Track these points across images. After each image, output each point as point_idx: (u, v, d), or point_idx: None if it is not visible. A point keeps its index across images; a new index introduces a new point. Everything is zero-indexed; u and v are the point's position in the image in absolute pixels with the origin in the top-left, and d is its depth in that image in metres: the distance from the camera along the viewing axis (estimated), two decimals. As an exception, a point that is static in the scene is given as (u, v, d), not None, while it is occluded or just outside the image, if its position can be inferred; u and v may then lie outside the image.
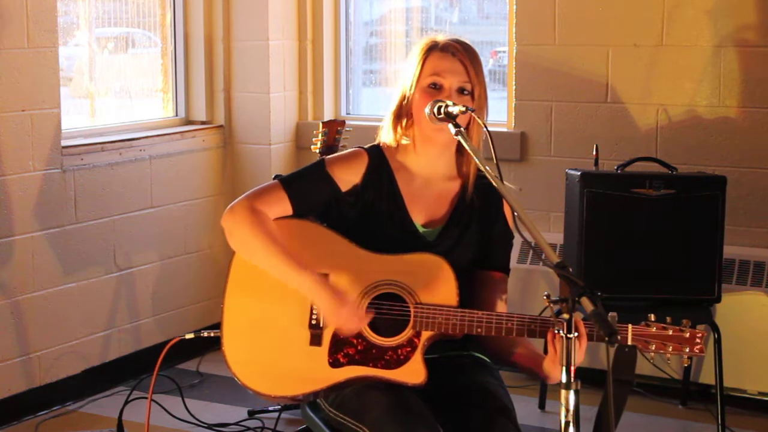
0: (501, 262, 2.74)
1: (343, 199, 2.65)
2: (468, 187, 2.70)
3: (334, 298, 2.51)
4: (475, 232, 2.70)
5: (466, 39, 2.71)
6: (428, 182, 2.70)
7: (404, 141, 2.68)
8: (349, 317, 2.52)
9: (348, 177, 2.66)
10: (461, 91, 2.63)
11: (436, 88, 2.62)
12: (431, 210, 2.69)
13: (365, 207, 2.65)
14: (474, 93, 2.65)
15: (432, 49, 2.65)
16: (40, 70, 4.27)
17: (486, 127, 2.54)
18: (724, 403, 3.96)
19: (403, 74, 2.69)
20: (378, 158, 2.69)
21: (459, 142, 2.60)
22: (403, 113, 2.67)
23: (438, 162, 2.70)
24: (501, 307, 2.68)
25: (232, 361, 2.62)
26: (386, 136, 2.71)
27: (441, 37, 2.68)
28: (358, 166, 2.67)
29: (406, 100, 2.66)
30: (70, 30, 4.79)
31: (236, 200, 2.62)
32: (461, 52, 2.65)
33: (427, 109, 2.58)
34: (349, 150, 2.74)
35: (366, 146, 2.73)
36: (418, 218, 2.68)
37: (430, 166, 2.70)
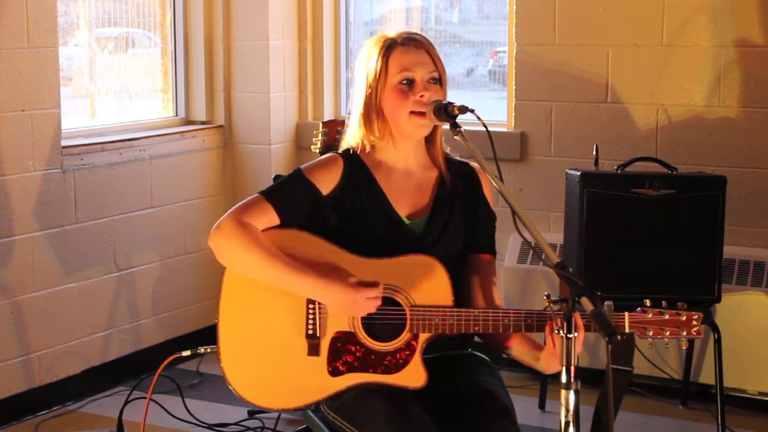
0: (487, 244, 2.75)
1: (326, 203, 2.64)
2: (444, 173, 2.72)
3: (343, 287, 2.50)
4: (461, 216, 2.71)
5: (414, 29, 2.73)
6: (407, 174, 2.71)
7: (375, 142, 2.68)
8: (366, 298, 2.50)
9: (327, 179, 2.65)
10: (432, 81, 2.64)
11: (408, 83, 2.62)
12: (414, 201, 2.70)
13: (348, 208, 2.65)
14: (442, 80, 2.66)
15: (392, 46, 2.65)
16: (40, 70, 4.27)
17: (486, 126, 2.54)
18: (724, 403, 3.96)
19: (361, 76, 2.68)
20: (353, 160, 2.69)
21: (430, 132, 2.67)
22: (372, 115, 2.66)
23: (413, 154, 2.72)
24: (494, 292, 2.69)
25: (232, 378, 2.61)
26: (355, 140, 2.70)
27: (393, 33, 2.68)
28: (335, 169, 2.67)
29: (374, 101, 2.65)
30: (70, 30, 4.79)
31: (220, 219, 2.61)
32: (423, 43, 2.66)
33: (428, 110, 2.58)
34: (323, 156, 2.75)
35: (338, 151, 2.73)
36: (403, 211, 2.68)
37: (406, 159, 2.71)
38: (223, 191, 5.23)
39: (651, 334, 2.50)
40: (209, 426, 4.21)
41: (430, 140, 2.73)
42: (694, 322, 2.50)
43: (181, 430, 4.19)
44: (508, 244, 4.65)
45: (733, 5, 4.39)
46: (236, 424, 4.24)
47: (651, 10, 4.52)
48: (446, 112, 2.55)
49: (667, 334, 2.50)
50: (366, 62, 2.68)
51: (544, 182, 4.77)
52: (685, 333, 2.50)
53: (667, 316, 2.50)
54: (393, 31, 2.70)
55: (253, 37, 5.16)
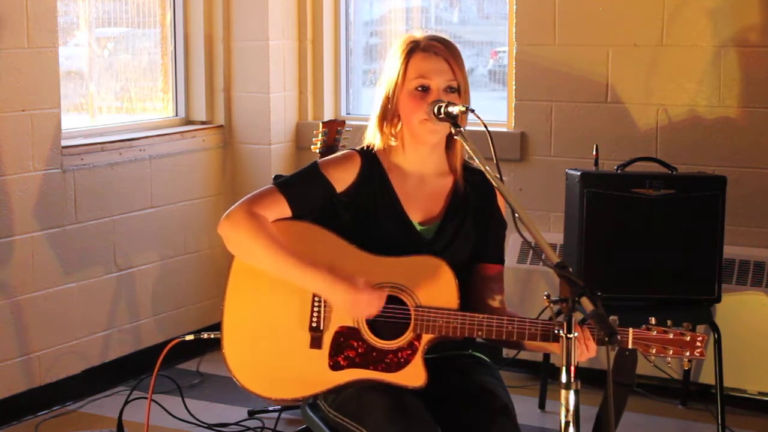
0: (497, 255, 2.75)
1: (339, 200, 2.65)
2: (459, 182, 2.72)
3: (348, 287, 2.51)
4: (472, 226, 2.71)
5: (445, 35, 2.72)
6: (421, 180, 2.71)
7: (392, 142, 2.68)
8: (368, 301, 2.51)
9: (342, 177, 2.66)
10: (449, 89, 2.63)
11: (423, 90, 2.62)
12: (427, 207, 2.70)
13: (361, 207, 2.66)
14: (460, 89, 2.65)
15: (414, 49, 2.64)
16: (40, 70, 4.27)
17: (486, 126, 2.54)
18: (724, 403, 3.96)
19: (384, 75, 2.69)
20: (370, 159, 2.69)
21: (447, 137, 2.67)
22: (389, 115, 2.67)
23: (429, 160, 2.71)
24: (498, 300, 2.70)
25: (233, 365, 2.62)
26: (373, 139, 2.71)
27: (420, 35, 2.68)
28: (351, 167, 2.67)
29: (391, 103, 2.65)
30: (70, 30, 4.79)
31: (232, 207, 2.62)
32: (444, 51, 2.65)
33: (427, 110, 2.58)
34: (340, 152, 2.75)
35: (357, 148, 2.73)
36: (415, 216, 2.69)
37: (421, 165, 2.71)
38: (223, 191, 5.23)
39: (654, 351, 2.50)
40: (209, 426, 4.20)
41: (449, 147, 2.72)
42: (698, 343, 2.50)
43: (181, 430, 4.19)
44: (508, 244, 4.65)
45: (733, 5, 4.39)
46: (236, 424, 4.24)
47: (651, 10, 4.52)
48: (446, 112, 2.55)
49: (670, 353, 2.50)
50: (390, 63, 2.68)
51: (544, 182, 4.77)
52: (688, 353, 2.50)
53: (671, 336, 2.50)
54: (420, 32, 2.70)
55: (253, 37, 5.16)
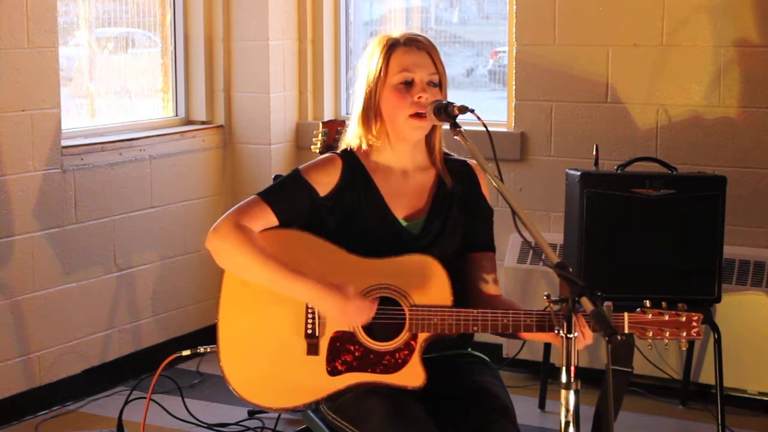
0: (486, 242, 2.75)
1: (323, 204, 2.64)
2: (442, 174, 2.72)
3: (338, 296, 2.50)
4: (458, 217, 2.71)
5: (414, 30, 2.73)
6: (404, 177, 2.71)
7: (373, 142, 2.67)
8: (358, 310, 2.51)
9: (325, 180, 2.65)
10: (431, 84, 2.63)
11: (407, 83, 2.62)
12: (411, 203, 2.70)
13: (345, 209, 2.65)
14: (441, 85, 2.66)
15: (394, 45, 2.64)
16: (40, 70, 4.27)
17: (486, 126, 2.55)
18: (724, 403, 3.96)
19: (362, 74, 2.68)
20: (351, 160, 2.69)
21: (429, 132, 2.68)
22: (371, 114, 2.66)
23: (411, 156, 2.71)
24: (493, 288, 2.70)
25: (231, 377, 2.61)
26: (355, 140, 2.70)
27: (397, 34, 2.68)
28: (333, 170, 2.67)
29: (373, 101, 2.65)
30: (70, 30, 4.79)
31: (218, 221, 2.62)
32: (425, 45, 2.66)
33: (428, 110, 2.58)
34: (321, 156, 2.75)
35: (337, 151, 2.73)
36: (400, 213, 2.68)
37: (404, 161, 2.71)
38: (223, 191, 5.23)
39: (650, 335, 2.50)
40: (209, 426, 4.21)
41: (429, 140, 2.73)
42: (694, 323, 2.50)
43: (181, 430, 4.19)
44: (508, 244, 4.65)
45: (733, 5, 4.39)
46: (236, 424, 4.24)
47: (651, 10, 4.52)
48: (446, 112, 2.54)
49: (667, 335, 2.50)
50: (368, 61, 2.67)
51: (544, 182, 4.77)
52: (684, 334, 2.50)
53: (666, 317, 2.50)
54: (397, 31, 2.70)
55: (253, 37, 5.16)
